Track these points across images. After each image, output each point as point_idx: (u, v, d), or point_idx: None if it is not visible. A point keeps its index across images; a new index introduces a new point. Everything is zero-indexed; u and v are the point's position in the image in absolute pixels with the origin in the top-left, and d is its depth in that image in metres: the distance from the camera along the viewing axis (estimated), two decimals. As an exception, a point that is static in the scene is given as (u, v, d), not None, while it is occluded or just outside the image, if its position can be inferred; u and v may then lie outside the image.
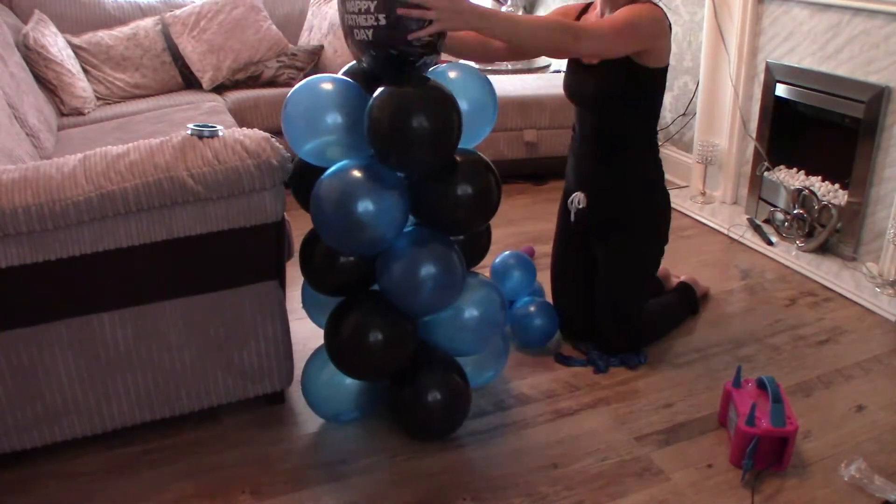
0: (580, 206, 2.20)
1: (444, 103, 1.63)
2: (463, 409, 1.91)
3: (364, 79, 1.76)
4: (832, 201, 2.84)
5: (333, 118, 1.70)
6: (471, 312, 1.85)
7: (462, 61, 1.83)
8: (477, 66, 4.47)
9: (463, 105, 1.76)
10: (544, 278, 2.80)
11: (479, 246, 1.98)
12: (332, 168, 1.72)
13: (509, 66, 4.51)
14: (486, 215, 1.78)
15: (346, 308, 1.82)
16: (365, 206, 1.64)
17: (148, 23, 3.70)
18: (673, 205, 3.44)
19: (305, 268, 1.85)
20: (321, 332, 1.89)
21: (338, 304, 1.84)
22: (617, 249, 2.21)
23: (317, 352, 1.96)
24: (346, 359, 1.81)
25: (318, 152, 1.75)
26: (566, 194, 2.29)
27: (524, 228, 3.25)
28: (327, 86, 1.73)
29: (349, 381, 1.92)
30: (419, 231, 1.79)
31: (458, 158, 1.73)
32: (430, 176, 1.71)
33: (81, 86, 3.38)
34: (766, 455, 1.82)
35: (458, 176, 1.71)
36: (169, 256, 1.75)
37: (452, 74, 1.77)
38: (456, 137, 1.66)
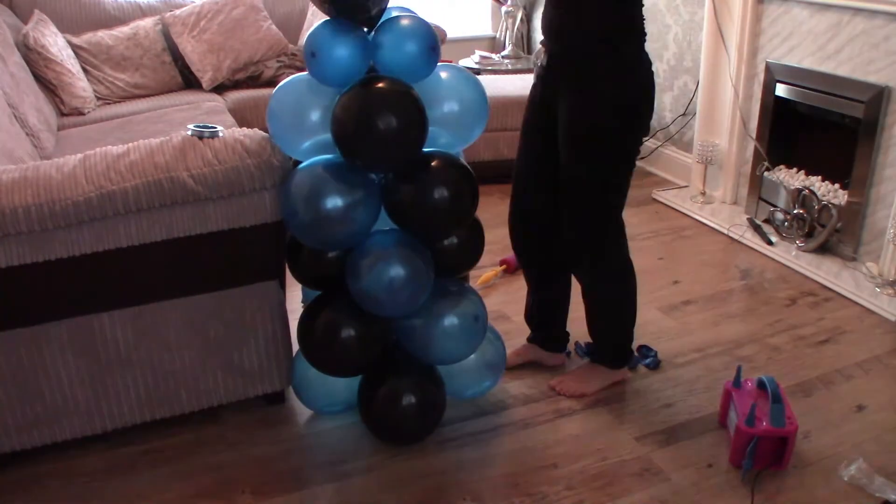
0: (540, 64, 1.95)
1: (407, 102, 1.63)
2: (437, 414, 1.90)
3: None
4: (832, 201, 2.84)
5: (318, 115, 1.71)
6: (450, 320, 1.80)
7: (451, 63, 1.83)
8: (475, 65, 4.48)
9: (453, 106, 1.76)
10: (544, 278, 2.81)
11: (469, 251, 1.91)
12: (305, 163, 1.74)
13: (509, 66, 4.51)
14: (461, 220, 1.76)
15: (319, 304, 1.83)
16: (333, 202, 1.65)
17: (148, 23, 3.70)
18: (673, 205, 3.46)
19: (290, 262, 1.87)
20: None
21: (311, 301, 1.86)
22: (574, 116, 1.86)
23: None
24: (316, 354, 1.82)
25: (313, 151, 1.76)
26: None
27: (524, 228, 3.24)
28: (307, 82, 1.73)
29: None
30: (388, 232, 1.78)
31: (434, 162, 1.71)
32: (404, 179, 1.71)
33: (81, 86, 3.38)
34: (766, 455, 1.82)
35: (432, 179, 1.69)
36: (169, 256, 1.75)
37: (443, 75, 1.77)
38: (420, 136, 1.66)
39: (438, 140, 1.78)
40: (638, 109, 1.88)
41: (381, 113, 1.60)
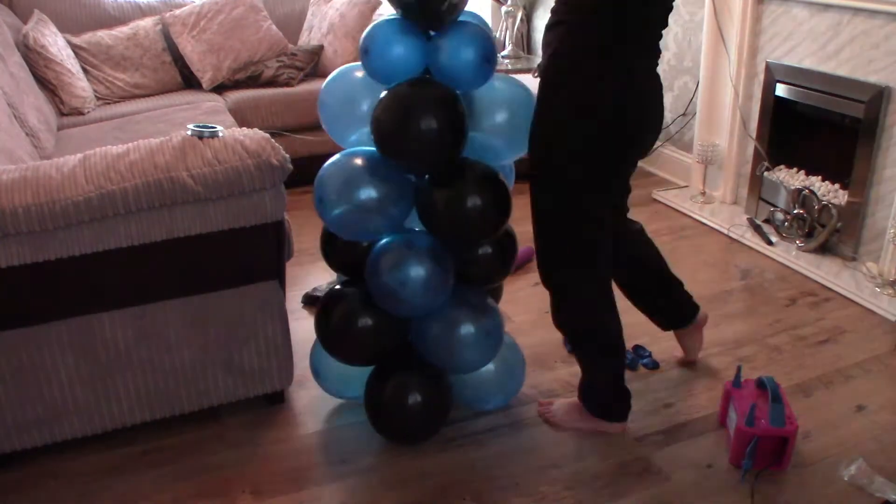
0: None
1: (446, 104, 1.63)
2: (442, 413, 1.90)
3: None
4: (832, 201, 2.84)
5: (367, 106, 1.73)
6: (462, 331, 1.78)
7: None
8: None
9: (503, 116, 1.75)
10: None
11: (497, 263, 1.91)
12: (337, 155, 1.76)
13: (509, 66, 4.51)
14: (489, 230, 1.76)
15: (338, 293, 1.85)
16: (367, 193, 1.67)
17: (148, 23, 3.70)
18: (673, 205, 3.46)
19: (324, 247, 1.90)
20: (321, 332, 1.90)
21: (328, 293, 1.88)
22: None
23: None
24: (333, 343, 1.84)
25: (362, 144, 1.78)
26: None
27: (524, 228, 3.22)
28: (360, 73, 1.76)
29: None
30: (413, 233, 1.79)
31: (469, 170, 1.71)
32: (437, 184, 1.71)
33: (81, 86, 3.38)
34: (766, 455, 1.82)
35: (467, 187, 1.69)
36: (169, 256, 1.75)
37: (497, 84, 1.76)
38: (457, 141, 1.66)
39: (491, 149, 1.78)
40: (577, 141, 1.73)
41: (420, 116, 1.60)
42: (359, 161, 1.71)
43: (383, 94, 1.66)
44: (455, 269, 1.79)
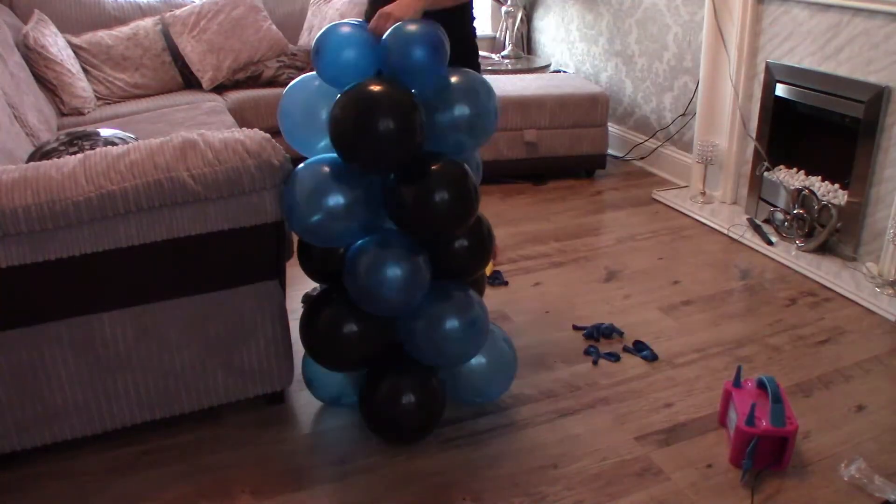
0: None
1: (404, 104, 1.63)
2: (436, 412, 1.90)
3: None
4: (832, 201, 2.84)
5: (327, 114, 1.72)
6: (447, 324, 1.78)
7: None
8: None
9: (464, 109, 1.76)
10: (544, 277, 2.80)
11: (474, 255, 1.89)
12: (302, 164, 1.76)
13: (509, 66, 4.51)
14: (461, 221, 1.75)
15: (321, 301, 1.84)
16: (336, 199, 1.67)
17: (148, 23, 3.71)
18: (673, 205, 3.46)
19: (300, 255, 1.89)
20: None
21: (313, 298, 1.87)
22: None
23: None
24: (318, 349, 1.84)
25: (328, 151, 1.77)
26: None
27: (524, 228, 3.25)
28: (317, 81, 1.76)
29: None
30: (387, 233, 1.78)
31: (434, 164, 1.71)
32: (403, 181, 1.71)
33: (81, 86, 3.38)
34: (766, 455, 1.82)
35: (433, 181, 1.69)
36: (169, 256, 1.75)
37: (454, 79, 1.77)
38: (415, 138, 1.66)
39: (452, 142, 1.78)
40: None
41: (376, 116, 1.60)
42: (325, 167, 1.71)
43: (339, 95, 1.66)
44: (433, 263, 1.79)
